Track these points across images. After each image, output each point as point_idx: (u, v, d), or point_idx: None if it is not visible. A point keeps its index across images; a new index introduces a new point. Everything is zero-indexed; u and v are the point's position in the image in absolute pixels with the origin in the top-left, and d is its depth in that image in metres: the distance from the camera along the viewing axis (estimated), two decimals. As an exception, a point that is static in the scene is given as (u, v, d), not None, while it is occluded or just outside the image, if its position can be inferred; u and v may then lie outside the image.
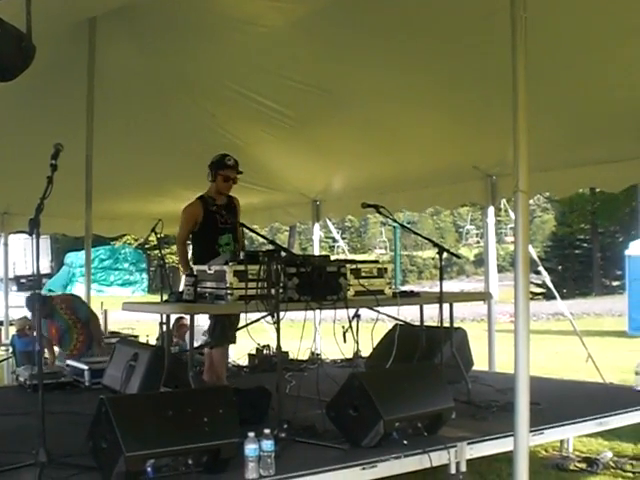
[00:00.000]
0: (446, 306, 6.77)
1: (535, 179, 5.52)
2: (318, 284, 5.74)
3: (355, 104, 7.76)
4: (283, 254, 5.64)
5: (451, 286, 39.55)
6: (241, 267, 5.54)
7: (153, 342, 10.07)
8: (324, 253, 12.38)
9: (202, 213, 6.92)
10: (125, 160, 9.48)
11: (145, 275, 45.13)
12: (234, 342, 7.14)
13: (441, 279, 6.83)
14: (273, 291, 5.30)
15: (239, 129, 9.08)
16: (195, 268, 6.13)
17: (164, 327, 7.04)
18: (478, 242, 43.89)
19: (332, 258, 6.74)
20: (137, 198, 11.48)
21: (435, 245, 6.86)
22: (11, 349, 9.89)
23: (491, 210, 9.14)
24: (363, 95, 7.53)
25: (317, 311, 6.05)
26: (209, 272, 5.81)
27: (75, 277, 40.88)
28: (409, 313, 7.09)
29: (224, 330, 6.78)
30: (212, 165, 7.02)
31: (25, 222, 4.50)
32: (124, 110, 8.33)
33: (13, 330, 10.86)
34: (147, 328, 10.88)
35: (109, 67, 7.60)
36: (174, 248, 39.40)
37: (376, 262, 6.53)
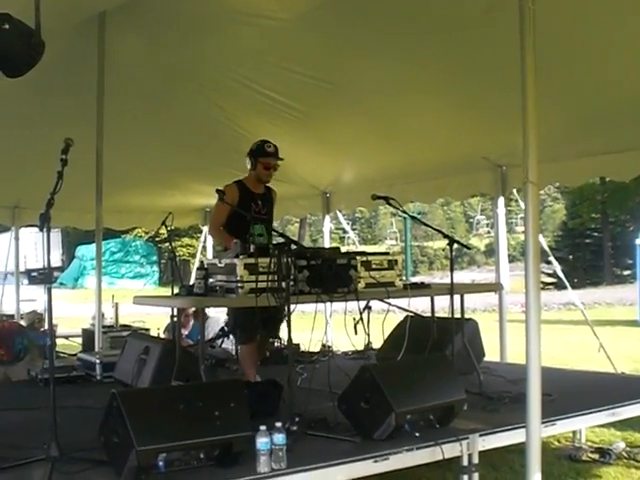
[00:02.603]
0: (457, 297, 6.76)
1: (545, 169, 5.50)
2: (328, 277, 5.73)
3: (363, 96, 7.74)
4: (293, 247, 5.62)
5: (462, 276, 39.53)
6: (251, 260, 5.53)
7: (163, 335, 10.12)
8: (335, 245, 12.35)
9: (237, 197, 6.70)
10: (135, 153, 9.50)
11: (156, 268, 45.25)
12: (276, 336, 7.07)
13: (452, 270, 6.83)
14: (284, 284, 5.29)
15: (247, 122, 9.07)
16: (206, 261, 6.11)
17: (175, 320, 7.06)
18: (489, 232, 43.84)
19: (343, 250, 6.72)
20: (147, 191, 11.51)
21: (445, 236, 6.84)
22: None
23: (501, 201, 9.13)
24: (370, 87, 7.51)
25: (328, 303, 6.03)
26: (220, 265, 5.80)
27: (86, 270, 41.13)
28: (420, 304, 7.09)
29: (246, 326, 6.63)
30: (251, 153, 6.80)
31: (36, 216, 4.51)
32: (133, 104, 8.34)
33: (23, 324, 10.91)
34: (158, 321, 10.92)
35: (118, 61, 7.58)
36: (185, 241, 39.61)
37: (386, 254, 6.50)
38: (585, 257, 45.04)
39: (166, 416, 4.17)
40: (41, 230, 4.34)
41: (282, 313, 6.35)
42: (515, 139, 5.05)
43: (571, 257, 44.33)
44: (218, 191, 6.30)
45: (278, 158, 6.83)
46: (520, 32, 4.58)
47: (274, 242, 6.06)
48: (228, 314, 7.05)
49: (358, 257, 6.08)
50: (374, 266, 6.13)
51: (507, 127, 6.90)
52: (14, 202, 11.52)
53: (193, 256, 27.65)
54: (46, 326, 8.22)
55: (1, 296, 13.17)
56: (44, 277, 4.72)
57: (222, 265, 5.77)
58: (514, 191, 9.40)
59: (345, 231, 27.85)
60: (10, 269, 13.29)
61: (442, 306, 7.36)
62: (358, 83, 7.47)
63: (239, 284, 5.50)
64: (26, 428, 5.42)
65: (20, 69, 3.71)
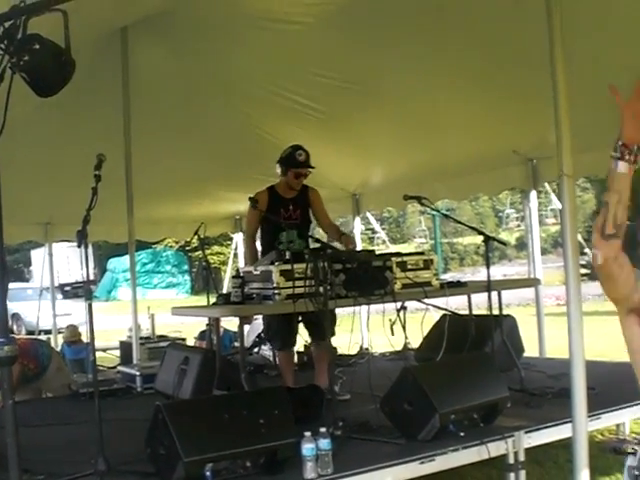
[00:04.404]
0: (493, 293, 6.71)
1: (578, 161, 5.44)
2: (365, 279, 5.72)
3: (389, 96, 7.72)
4: (328, 251, 5.62)
5: (494, 271, 38.98)
6: (287, 266, 5.53)
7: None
8: (364, 245, 12.32)
9: (267, 203, 6.73)
10: (163, 164, 9.51)
11: (188, 277, 45.37)
12: (322, 339, 6.75)
13: (488, 267, 6.76)
14: (321, 289, 5.28)
15: (275, 127, 9.08)
16: (241, 269, 6.13)
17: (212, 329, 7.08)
18: (519, 226, 43.50)
19: (371, 249, 6.70)
20: (176, 201, 11.51)
21: (480, 233, 6.80)
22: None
23: (533, 194, 9.03)
24: (397, 87, 7.48)
25: (365, 306, 6.01)
26: (255, 273, 5.81)
27: (119, 282, 41.32)
28: (455, 302, 7.04)
29: (280, 333, 6.67)
30: (282, 161, 6.81)
31: (67, 231, 4.55)
32: (160, 114, 8.36)
33: (61, 338, 11.00)
34: (193, 330, 10.92)
35: (143, 73, 7.63)
36: (215, 249, 39.73)
37: (421, 254, 6.48)
38: (617, 247, 44.51)
39: (211, 426, 4.19)
40: (79, 247, 4.37)
41: (319, 316, 6.33)
42: (545, 131, 5.02)
43: (603, 247, 43.75)
44: (251, 199, 6.35)
45: (309, 166, 6.78)
46: (548, 21, 4.55)
47: (310, 246, 6.06)
48: (262, 320, 7.07)
49: (393, 258, 6.06)
50: (409, 266, 6.11)
51: (536, 119, 6.85)
52: (46, 219, 11.60)
53: (224, 264, 27.70)
54: (85, 341, 8.25)
55: (38, 311, 13.32)
56: (84, 293, 4.75)
57: (258, 272, 5.78)
58: (544, 183, 9.30)
59: (374, 231, 27.78)
60: (45, 284, 13.41)
61: (476, 302, 7.30)
62: (384, 83, 7.45)
63: (276, 291, 5.51)
64: (73, 443, 5.45)
65: (52, 88, 3.72)
